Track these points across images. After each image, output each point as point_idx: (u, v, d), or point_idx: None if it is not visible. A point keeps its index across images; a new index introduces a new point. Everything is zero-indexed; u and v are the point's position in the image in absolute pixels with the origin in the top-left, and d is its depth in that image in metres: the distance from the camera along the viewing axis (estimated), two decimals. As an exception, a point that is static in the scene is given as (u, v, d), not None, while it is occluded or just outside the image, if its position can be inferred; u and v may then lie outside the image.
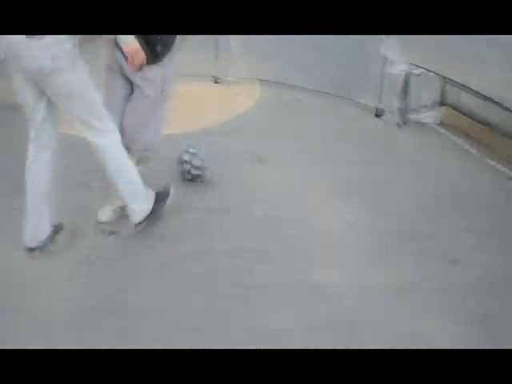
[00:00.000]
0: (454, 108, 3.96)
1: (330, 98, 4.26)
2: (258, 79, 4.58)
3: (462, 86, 3.71)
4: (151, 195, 2.45)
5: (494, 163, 3.35)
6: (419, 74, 3.87)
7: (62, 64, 2.02)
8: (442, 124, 3.95)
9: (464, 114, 3.90)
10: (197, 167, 2.93)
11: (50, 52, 1.97)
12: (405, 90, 3.83)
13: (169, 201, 2.54)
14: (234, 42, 4.51)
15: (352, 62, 4.12)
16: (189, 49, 4.42)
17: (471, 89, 3.64)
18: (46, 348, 1.57)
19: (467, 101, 3.80)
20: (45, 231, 2.32)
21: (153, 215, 2.44)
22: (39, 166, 2.26)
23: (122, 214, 2.55)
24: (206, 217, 2.69)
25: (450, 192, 3.02)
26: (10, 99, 2.41)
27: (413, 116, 3.92)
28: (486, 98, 3.57)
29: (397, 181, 3.11)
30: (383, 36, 3.72)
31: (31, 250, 2.32)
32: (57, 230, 2.41)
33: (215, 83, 4.60)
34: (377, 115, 4.00)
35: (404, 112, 3.87)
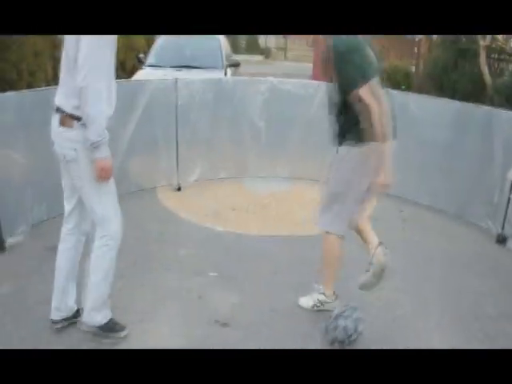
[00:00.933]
0: None
1: (449, 218, 4.21)
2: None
3: None
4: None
5: None
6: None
7: (80, 158, 2.23)
8: None
9: None
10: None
11: (75, 144, 2.21)
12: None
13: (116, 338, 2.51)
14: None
15: (477, 184, 4.06)
16: (309, 154, 4.79)
17: None
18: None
19: None
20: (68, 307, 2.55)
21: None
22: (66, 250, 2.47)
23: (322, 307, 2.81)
24: (313, 325, 2.71)
25: None
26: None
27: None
28: None
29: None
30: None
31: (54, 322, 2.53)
32: None
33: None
34: (499, 241, 3.85)
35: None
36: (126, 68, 9.35)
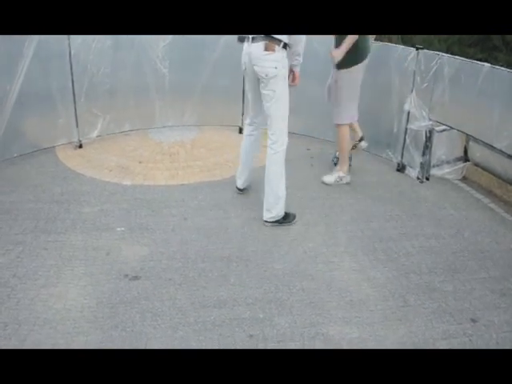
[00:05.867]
0: (477, 165, 4.00)
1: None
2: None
3: (485, 143, 3.74)
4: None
5: (517, 220, 3.35)
6: (441, 131, 3.94)
7: (278, 74, 2.93)
8: (464, 180, 3.98)
9: (487, 170, 3.93)
10: None
11: (276, 64, 2.90)
12: (427, 146, 3.89)
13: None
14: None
15: (378, 118, 4.21)
16: (216, 99, 4.70)
17: (493, 146, 3.66)
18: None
19: (490, 158, 3.83)
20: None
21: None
22: (251, 140, 3.34)
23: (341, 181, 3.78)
24: (226, 266, 2.75)
25: (470, 249, 3.01)
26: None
27: (435, 171, 3.97)
28: (509, 156, 3.59)
29: (417, 236, 3.13)
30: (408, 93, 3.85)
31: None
32: None
33: (241, 133, 4.74)
34: (398, 170, 4.06)
35: (426, 167, 3.92)
36: None
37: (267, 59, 2.90)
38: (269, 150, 3.10)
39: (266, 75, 2.92)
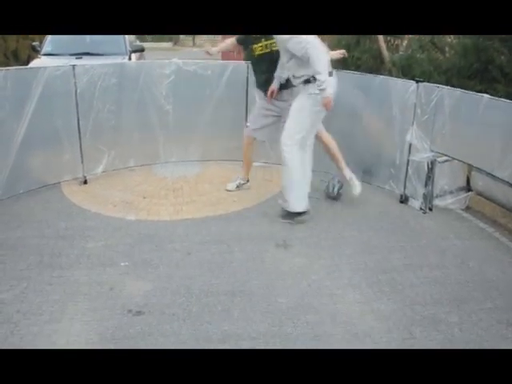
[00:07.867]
0: (480, 194, 4.01)
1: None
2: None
3: (487, 173, 3.76)
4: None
5: (522, 250, 3.33)
6: (443, 162, 3.96)
7: None
8: (467, 210, 3.98)
9: (490, 200, 3.93)
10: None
11: None
12: (429, 177, 3.91)
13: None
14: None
15: (380, 150, 4.25)
16: (219, 135, 4.77)
17: (495, 176, 3.67)
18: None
19: (493, 187, 3.84)
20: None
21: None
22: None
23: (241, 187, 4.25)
24: (229, 300, 2.74)
25: (475, 279, 2.99)
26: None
27: (438, 202, 3.97)
28: (511, 185, 3.59)
29: (421, 267, 3.11)
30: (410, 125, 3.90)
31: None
32: None
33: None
34: (402, 201, 4.07)
35: (429, 198, 3.93)
36: (19, 57, 8.72)
37: None
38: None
39: None
